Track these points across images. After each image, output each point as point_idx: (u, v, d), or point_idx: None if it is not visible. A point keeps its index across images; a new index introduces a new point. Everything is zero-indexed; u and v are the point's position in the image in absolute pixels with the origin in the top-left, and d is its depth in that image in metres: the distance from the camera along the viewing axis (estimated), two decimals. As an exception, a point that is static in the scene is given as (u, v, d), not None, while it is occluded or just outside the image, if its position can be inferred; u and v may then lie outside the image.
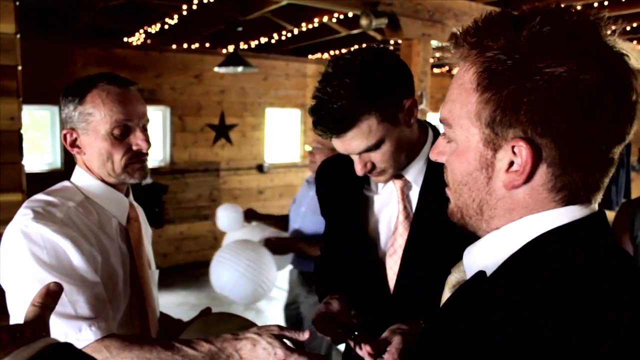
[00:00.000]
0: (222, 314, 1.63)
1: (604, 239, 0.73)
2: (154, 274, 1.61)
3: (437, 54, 6.58)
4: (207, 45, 7.02)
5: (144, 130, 1.44)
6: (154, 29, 6.03)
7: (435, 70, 8.82)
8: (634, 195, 7.22)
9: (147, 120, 1.46)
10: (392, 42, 5.95)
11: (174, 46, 6.73)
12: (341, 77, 1.27)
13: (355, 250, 1.54)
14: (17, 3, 2.67)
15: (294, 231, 3.24)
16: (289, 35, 6.48)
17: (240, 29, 5.72)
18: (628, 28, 6.37)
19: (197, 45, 6.93)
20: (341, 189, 1.57)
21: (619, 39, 0.72)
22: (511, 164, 0.71)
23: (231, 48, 6.28)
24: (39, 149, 6.24)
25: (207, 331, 1.32)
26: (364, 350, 1.28)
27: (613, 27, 0.72)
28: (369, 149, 1.32)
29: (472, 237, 0.84)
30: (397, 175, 1.43)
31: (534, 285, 0.67)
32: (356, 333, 1.36)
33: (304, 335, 1.27)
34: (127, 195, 1.51)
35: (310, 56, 7.94)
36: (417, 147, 1.43)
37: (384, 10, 4.34)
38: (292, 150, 8.18)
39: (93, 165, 1.43)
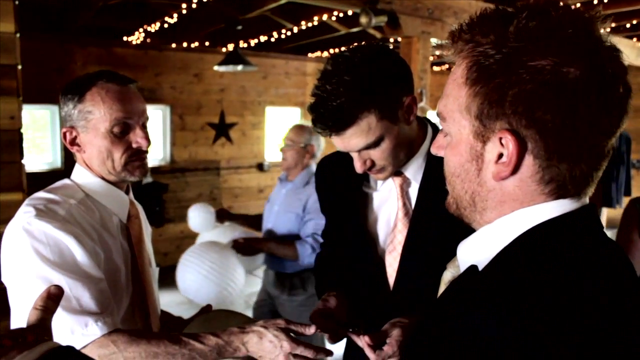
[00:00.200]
0: (222, 311, 1.63)
1: (593, 231, 0.75)
2: (154, 272, 1.61)
3: (437, 52, 6.58)
4: (207, 44, 7.02)
5: (144, 128, 1.45)
6: (154, 27, 6.03)
7: (435, 68, 8.82)
8: (634, 193, 7.22)
9: (147, 118, 1.47)
10: (391, 40, 5.95)
11: (173, 45, 6.73)
12: (340, 74, 1.27)
13: (354, 247, 1.54)
14: (17, 2, 2.67)
15: (267, 231, 3.20)
16: (289, 33, 6.48)
17: (239, 27, 5.71)
18: (628, 25, 6.36)
19: (196, 44, 6.93)
20: (340, 185, 1.57)
21: (612, 34, 0.74)
22: (500, 155, 0.73)
23: (231, 47, 6.27)
24: (39, 148, 6.24)
25: (208, 328, 1.32)
26: (363, 341, 1.29)
27: (604, 23, 0.73)
28: (369, 147, 1.32)
29: (471, 232, 0.85)
30: (397, 172, 1.43)
31: (524, 278, 0.68)
32: (356, 329, 1.36)
33: (310, 330, 1.28)
34: (127, 193, 1.52)
35: (310, 54, 7.94)
36: (417, 144, 1.43)
37: (384, 8, 4.34)
38: (292, 148, 8.17)
39: (93, 163, 1.43)
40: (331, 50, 7.73)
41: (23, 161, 2.74)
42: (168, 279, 3.23)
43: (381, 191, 1.51)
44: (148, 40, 6.62)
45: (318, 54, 7.95)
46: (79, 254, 1.27)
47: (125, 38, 6.49)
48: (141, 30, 6.21)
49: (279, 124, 8.09)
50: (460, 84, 0.75)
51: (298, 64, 7.85)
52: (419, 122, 1.46)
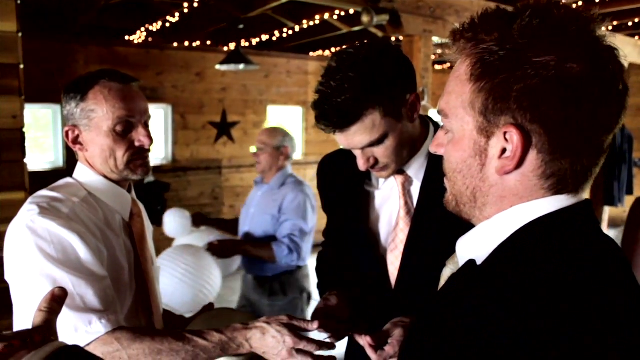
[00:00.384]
0: (224, 309, 1.64)
1: (589, 226, 0.76)
2: (156, 270, 1.61)
3: (439, 51, 6.57)
4: (209, 43, 7.03)
5: (146, 126, 1.45)
6: (156, 27, 6.04)
7: (437, 67, 8.81)
8: (636, 192, 7.21)
9: (149, 117, 1.47)
10: (393, 38, 5.95)
11: (175, 44, 6.74)
12: (345, 71, 1.26)
13: (356, 246, 1.54)
14: (19, 1, 2.67)
15: (244, 234, 3.19)
16: (291, 32, 6.48)
17: (241, 26, 5.71)
18: (630, 24, 6.35)
19: (198, 43, 6.93)
20: (342, 184, 1.57)
21: (609, 33, 0.77)
22: (503, 151, 0.74)
23: (232, 46, 6.28)
24: (41, 147, 6.25)
25: (210, 327, 1.32)
26: (365, 341, 1.29)
27: (603, 23, 0.74)
28: (372, 144, 1.32)
29: None
30: (399, 170, 1.43)
31: (520, 272, 0.70)
32: (357, 327, 1.36)
33: (313, 325, 1.28)
34: (129, 191, 1.52)
35: (311, 53, 7.94)
36: (419, 143, 1.43)
37: (385, 7, 4.34)
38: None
39: (95, 162, 1.43)
40: (333, 49, 7.72)
41: (25, 160, 2.75)
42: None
43: (383, 189, 1.51)
44: (150, 39, 6.62)
45: (320, 52, 7.94)
46: (83, 252, 1.27)
47: (127, 37, 6.50)
48: (143, 29, 6.21)
49: (280, 123, 8.09)
50: (464, 81, 0.76)
51: (300, 62, 7.85)
52: (421, 121, 1.45)
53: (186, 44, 6.82)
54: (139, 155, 1.43)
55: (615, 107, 0.73)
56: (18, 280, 1.28)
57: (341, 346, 1.54)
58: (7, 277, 1.30)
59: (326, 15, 5.68)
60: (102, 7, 5.08)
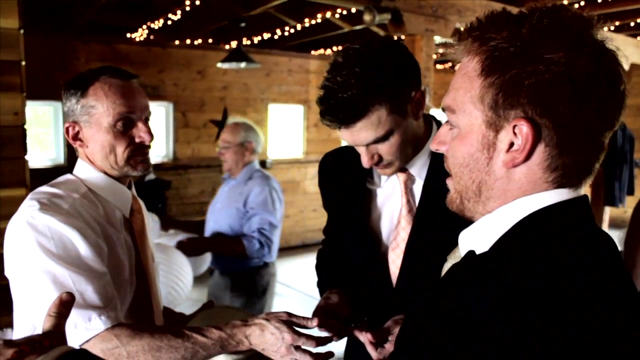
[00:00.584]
0: (224, 307, 1.64)
1: (586, 220, 0.79)
2: (156, 267, 1.61)
3: (440, 50, 6.57)
4: (210, 41, 7.02)
5: (146, 122, 1.45)
6: (157, 24, 6.04)
7: (438, 67, 8.80)
8: (637, 192, 7.20)
9: (150, 113, 1.46)
10: (395, 37, 5.94)
11: (176, 42, 6.74)
12: (351, 66, 1.25)
13: (357, 244, 1.53)
14: (21, -2, 2.68)
15: (210, 230, 3.17)
16: (292, 31, 6.48)
17: (243, 24, 5.71)
18: (632, 24, 6.34)
19: (200, 41, 6.93)
20: (344, 182, 1.56)
21: (610, 34, 0.79)
22: (511, 145, 0.77)
23: (234, 44, 6.28)
24: (42, 144, 6.25)
25: (210, 324, 1.33)
26: (365, 338, 1.29)
27: (605, 25, 0.78)
28: (377, 141, 1.31)
29: None
30: (401, 168, 1.43)
31: (518, 260, 0.73)
32: (358, 324, 1.36)
33: (313, 323, 1.28)
34: (129, 187, 1.52)
35: (313, 52, 7.94)
36: (422, 141, 1.43)
37: (387, 6, 4.33)
38: (295, 146, 8.18)
39: (96, 158, 1.43)
40: (334, 48, 7.72)
41: (26, 157, 2.75)
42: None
43: (385, 188, 1.50)
44: (151, 37, 6.62)
45: (321, 51, 7.94)
46: (83, 248, 1.27)
47: (128, 35, 6.50)
48: (144, 27, 6.21)
49: (282, 122, 8.10)
50: (473, 77, 0.79)
51: (301, 61, 7.85)
52: (424, 119, 1.45)
53: (188, 41, 6.82)
54: (139, 152, 1.43)
55: (617, 105, 0.77)
56: (18, 277, 1.28)
57: (341, 344, 1.54)
58: (7, 273, 1.30)
59: (328, 14, 5.68)
60: (103, 4, 5.07)
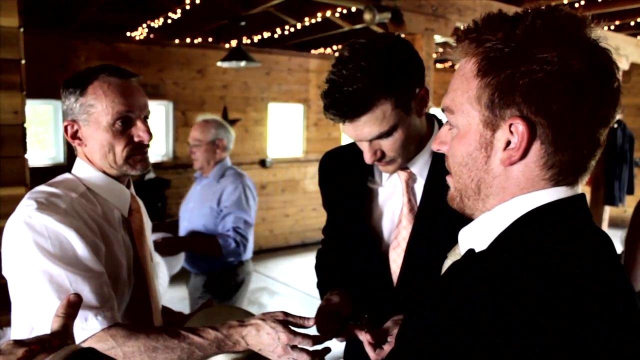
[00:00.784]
0: (223, 306, 1.64)
1: (583, 218, 0.81)
2: (155, 266, 1.61)
3: (440, 49, 6.57)
4: (210, 39, 7.02)
5: (145, 121, 1.44)
6: (157, 23, 6.03)
7: (438, 66, 8.80)
8: (636, 192, 7.20)
9: (149, 112, 1.46)
10: (395, 36, 5.94)
11: (176, 41, 6.73)
12: (358, 60, 1.25)
13: (358, 243, 1.53)
14: (20, -3, 2.67)
15: (185, 230, 3.14)
16: (292, 30, 6.47)
17: (243, 23, 5.71)
18: (632, 23, 6.34)
19: (200, 39, 6.93)
20: (344, 181, 1.56)
21: (610, 33, 0.79)
22: (508, 143, 0.79)
23: (234, 43, 6.28)
24: (42, 143, 6.25)
25: (209, 323, 1.32)
26: (365, 339, 1.29)
27: (601, 25, 0.81)
28: (381, 136, 1.31)
29: None
30: (403, 167, 1.42)
31: (515, 257, 0.75)
32: (359, 322, 1.36)
33: (310, 322, 1.28)
34: (128, 187, 1.51)
35: (313, 51, 7.93)
36: (425, 140, 1.43)
37: (387, 5, 4.33)
38: (295, 145, 8.18)
39: (94, 157, 1.43)
40: (334, 47, 7.72)
41: (26, 156, 2.75)
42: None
43: (386, 187, 1.50)
44: (151, 35, 6.62)
45: (321, 50, 7.94)
46: (80, 248, 1.27)
47: (128, 34, 6.49)
48: (144, 25, 6.21)
49: (281, 121, 8.09)
50: (470, 78, 0.81)
51: (301, 60, 7.84)
52: (427, 118, 1.45)
53: (187, 40, 6.81)
54: (138, 151, 1.43)
55: (611, 102, 0.78)
56: (15, 276, 1.28)
57: (341, 343, 1.54)
58: (4, 273, 1.30)
59: (328, 13, 5.68)
60: (103, 3, 5.07)
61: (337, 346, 1.39)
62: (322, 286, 1.66)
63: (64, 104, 1.42)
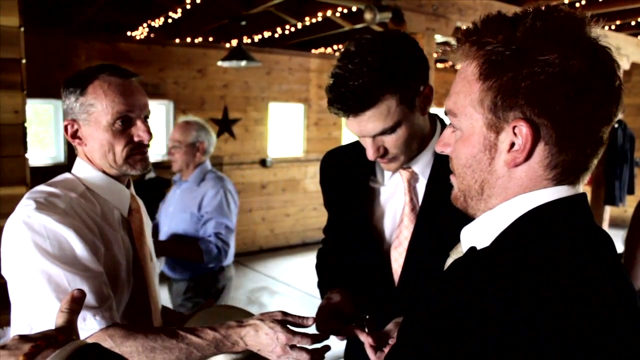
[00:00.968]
0: (223, 306, 1.64)
1: (584, 217, 0.82)
2: (155, 266, 1.61)
3: (441, 49, 6.56)
4: (211, 39, 7.02)
5: (145, 121, 1.44)
6: (158, 23, 6.03)
7: (439, 65, 8.79)
8: (637, 192, 7.20)
9: (149, 112, 1.46)
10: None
11: (177, 40, 6.73)
12: (364, 55, 1.25)
13: (359, 242, 1.53)
14: (21, -4, 2.67)
15: (165, 234, 3.08)
16: (293, 29, 6.47)
17: (243, 23, 5.70)
18: (633, 23, 6.33)
19: (200, 39, 6.93)
20: (346, 180, 1.55)
21: (611, 32, 0.79)
22: (512, 145, 0.80)
23: (234, 42, 6.27)
24: (43, 143, 6.25)
25: (208, 324, 1.32)
26: (366, 342, 1.28)
27: (601, 24, 0.81)
28: (385, 132, 1.30)
29: None
30: (405, 166, 1.42)
31: (516, 255, 0.76)
32: (360, 323, 1.36)
33: (309, 321, 1.27)
34: (128, 186, 1.51)
35: (313, 51, 7.93)
36: (427, 139, 1.43)
37: (388, 5, 4.32)
38: (295, 144, 8.18)
39: (94, 157, 1.43)
40: (335, 47, 7.72)
41: (26, 155, 2.75)
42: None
43: (388, 186, 1.50)
44: (152, 35, 6.62)
45: (322, 50, 7.93)
46: (79, 248, 1.27)
47: (129, 33, 6.49)
48: (145, 25, 6.21)
49: (282, 120, 8.09)
50: (472, 81, 0.82)
51: (302, 60, 7.84)
52: (429, 117, 1.45)
53: (188, 40, 6.81)
54: (138, 150, 1.43)
55: (613, 101, 0.79)
56: (14, 276, 1.28)
57: (341, 343, 1.54)
58: (3, 273, 1.30)
59: (328, 13, 5.68)
60: (104, 2, 5.07)
61: (337, 345, 1.39)
62: (323, 286, 1.65)
63: (64, 103, 1.42)
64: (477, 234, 0.87)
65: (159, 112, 6.80)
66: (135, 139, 1.41)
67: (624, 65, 6.48)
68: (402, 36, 1.33)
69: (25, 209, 1.27)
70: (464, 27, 0.85)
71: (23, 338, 0.74)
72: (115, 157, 1.41)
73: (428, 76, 1.35)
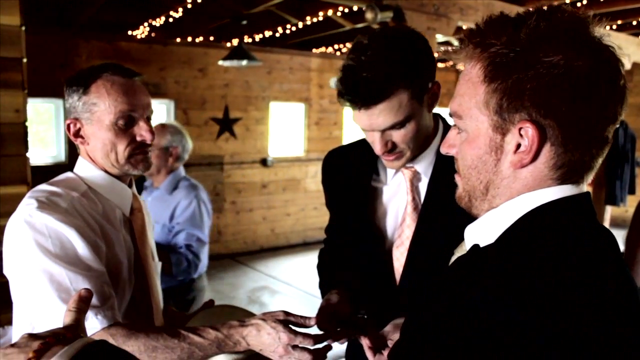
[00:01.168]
0: (224, 306, 1.64)
1: (586, 216, 0.82)
2: (157, 265, 1.61)
3: (442, 48, 6.56)
4: (212, 38, 7.02)
5: (148, 121, 1.44)
6: (159, 22, 6.03)
7: (440, 65, 8.79)
8: (638, 191, 7.19)
9: (151, 112, 1.46)
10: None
11: (178, 39, 6.73)
12: (377, 47, 1.24)
13: (361, 241, 1.52)
14: (22, -5, 2.67)
15: None
16: (294, 28, 6.47)
17: (244, 22, 5.70)
18: (634, 22, 6.32)
19: (201, 38, 6.93)
20: (348, 179, 1.55)
21: (612, 32, 0.79)
22: (518, 146, 0.80)
23: (235, 41, 6.26)
24: (44, 142, 6.26)
25: (210, 323, 1.32)
26: (365, 344, 1.28)
27: (601, 23, 0.81)
28: (394, 126, 1.29)
29: None
30: (407, 165, 1.42)
31: (520, 253, 0.76)
32: (361, 321, 1.35)
33: (310, 321, 1.27)
34: (130, 186, 1.51)
35: (314, 50, 7.92)
36: (430, 138, 1.43)
37: (389, 4, 4.32)
38: (296, 144, 8.18)
39: (96, 156, 1.43)
40: (336, 46, 7.71)
41: (27, 154, 2.75)
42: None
43: (390, 185, 1.50)
44: (153, 34, 6.62)
45: (323, 49, 7.93)
46: (81, 247, 1.27)
47: (129, 32, 6.49)
48: (146, 24, 6.20)
49: (283, 120, 8.09)
50: (476, 83, 0.82)
51: (302, 59, 7.84)
52: (432, 117, 1.45)
53: (189, 39, 6.81)
54: (140, 150, 1.43)
55: (618, 100, 0.79)
56: (16, 275, 1.28)
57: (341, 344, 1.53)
58: (5, 272, 1.30)
59: (329, 12, 5.67)
60: (105, 1, 5.07)
61: (338, 345, 1.39)
62: (324, 286, 1.65)
63: (67, 102, 1.42)
64: (481, 232, 0.87)
65: (160, 111, 6.80)
66: (138, 138, 1.41)
67: (626, 65, 6.47)
68: (413, 32, 1.33)
69: (27, 208, 1.27)
70: (465, 26, 0.85)
71: (32, 336, 0.76)
72: (117, 157, 1.41)
73: (435, 73, 1.35)
